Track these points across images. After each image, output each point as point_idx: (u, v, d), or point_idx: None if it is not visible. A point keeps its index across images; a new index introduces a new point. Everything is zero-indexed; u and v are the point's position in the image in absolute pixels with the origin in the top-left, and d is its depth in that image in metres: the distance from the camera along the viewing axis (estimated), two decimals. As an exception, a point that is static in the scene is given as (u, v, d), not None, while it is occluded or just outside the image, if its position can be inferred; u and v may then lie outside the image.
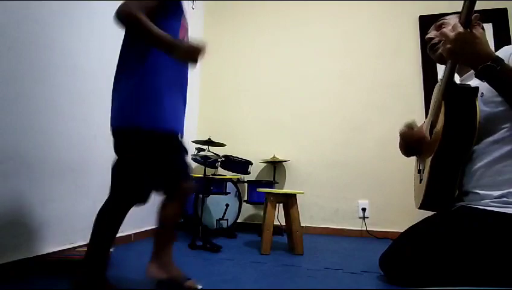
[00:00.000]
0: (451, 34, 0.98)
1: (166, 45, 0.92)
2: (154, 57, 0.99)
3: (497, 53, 1.11)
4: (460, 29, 0.97)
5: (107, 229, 1.01)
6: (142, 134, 0.97)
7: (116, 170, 1.02)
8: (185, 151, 1.10)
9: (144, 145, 0.98)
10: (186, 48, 0.92)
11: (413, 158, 1.49)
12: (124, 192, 1.02)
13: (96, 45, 1.67)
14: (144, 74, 0.98)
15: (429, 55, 1.38)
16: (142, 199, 1.04)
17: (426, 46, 1.37)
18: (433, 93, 1.33)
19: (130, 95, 0.97)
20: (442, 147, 1.11)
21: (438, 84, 1.25)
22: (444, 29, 1.15)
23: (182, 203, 1.09)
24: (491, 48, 1.01)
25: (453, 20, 1.26)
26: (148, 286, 1.06)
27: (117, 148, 1.02)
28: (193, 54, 0.93)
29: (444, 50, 1.03)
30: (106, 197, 1.02)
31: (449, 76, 1.10)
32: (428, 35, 1.36)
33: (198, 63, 0.95)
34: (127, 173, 1.01)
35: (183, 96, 1.11)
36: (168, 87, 1.00)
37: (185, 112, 1.13)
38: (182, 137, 1.09)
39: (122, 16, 0.91)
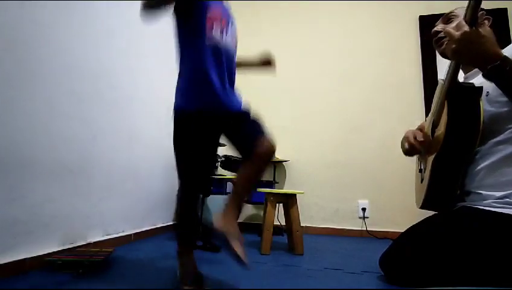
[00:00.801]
0: (456, 34, 0.92)
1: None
2: (189, 48, 1.11)
3: (504, 51, 1.09)
4: (466, 28, 0.90)
5: (183, 213, 1.16)
6: (185, 114, 1.09)
7: (175, 153, 1.13)
8: (247, 120, 1.21)
9: (186, 125, 1.09)
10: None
11: (414, 158, 1.48)
12: (182, 175, 1.13)
13: (95, 45, 1.67)
14: (186, 65, 1.12)
15: (429, 55, 1.37)
16: (201, 180, 1.16)
17: (426, 44, 1.35)
18: (436, 92, 1.30)
19: (178, 83, 1.13)
20: (445, 148, 1.09)
21: (440, 83, 1.23)
22: (448, 28, 1.07)
23: (257, 166, 1.12)
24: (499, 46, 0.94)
25: (462, 14, 1.18)
26: (147, 286, 1.06)
27: (174, 130, 1.13)
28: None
29: (448, 50, 0.97)
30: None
31: (453, 75, 1.06)
32: (435, 28, 1.31)
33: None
34: (180, 154, 1.13)
35: (230, 80, 1.24)
36: (208, 71, 1.09)
37: (233, 93, 1.27)
38: (236, 111, 1.20)
39: None
